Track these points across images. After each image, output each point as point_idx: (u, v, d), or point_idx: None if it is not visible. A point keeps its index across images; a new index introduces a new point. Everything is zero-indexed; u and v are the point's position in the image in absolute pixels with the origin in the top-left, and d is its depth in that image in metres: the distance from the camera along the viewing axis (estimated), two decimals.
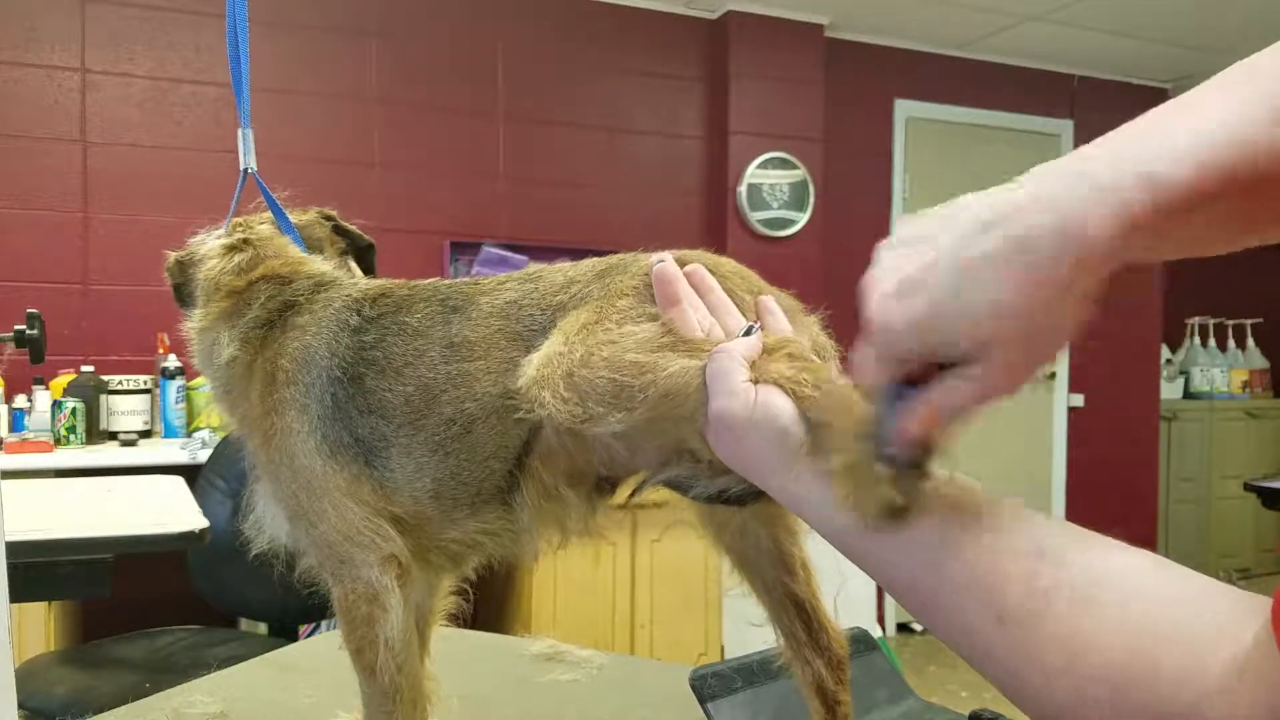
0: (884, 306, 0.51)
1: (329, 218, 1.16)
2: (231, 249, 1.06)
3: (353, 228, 1.17)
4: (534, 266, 0.92)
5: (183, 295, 1.09)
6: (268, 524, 0.98)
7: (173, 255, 1.11)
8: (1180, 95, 0.47)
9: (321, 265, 1.05)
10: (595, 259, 0.88)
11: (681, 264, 0.80)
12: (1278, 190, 0.44)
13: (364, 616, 0.89)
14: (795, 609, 0.91)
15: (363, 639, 0.89)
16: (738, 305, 0.79)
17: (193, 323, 1.04)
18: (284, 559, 0.99)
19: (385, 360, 0.90)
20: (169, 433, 3.28)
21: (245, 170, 1.14)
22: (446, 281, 0.95)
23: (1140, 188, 0.43)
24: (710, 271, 0.80)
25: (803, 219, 4.39)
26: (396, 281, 0.99)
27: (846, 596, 3.49)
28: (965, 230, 0.48)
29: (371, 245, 1.18)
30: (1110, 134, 0.47)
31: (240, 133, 1.16)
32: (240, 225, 1.08)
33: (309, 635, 2.33)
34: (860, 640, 1.19)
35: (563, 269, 0.89)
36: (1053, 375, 5.14)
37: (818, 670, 0.89)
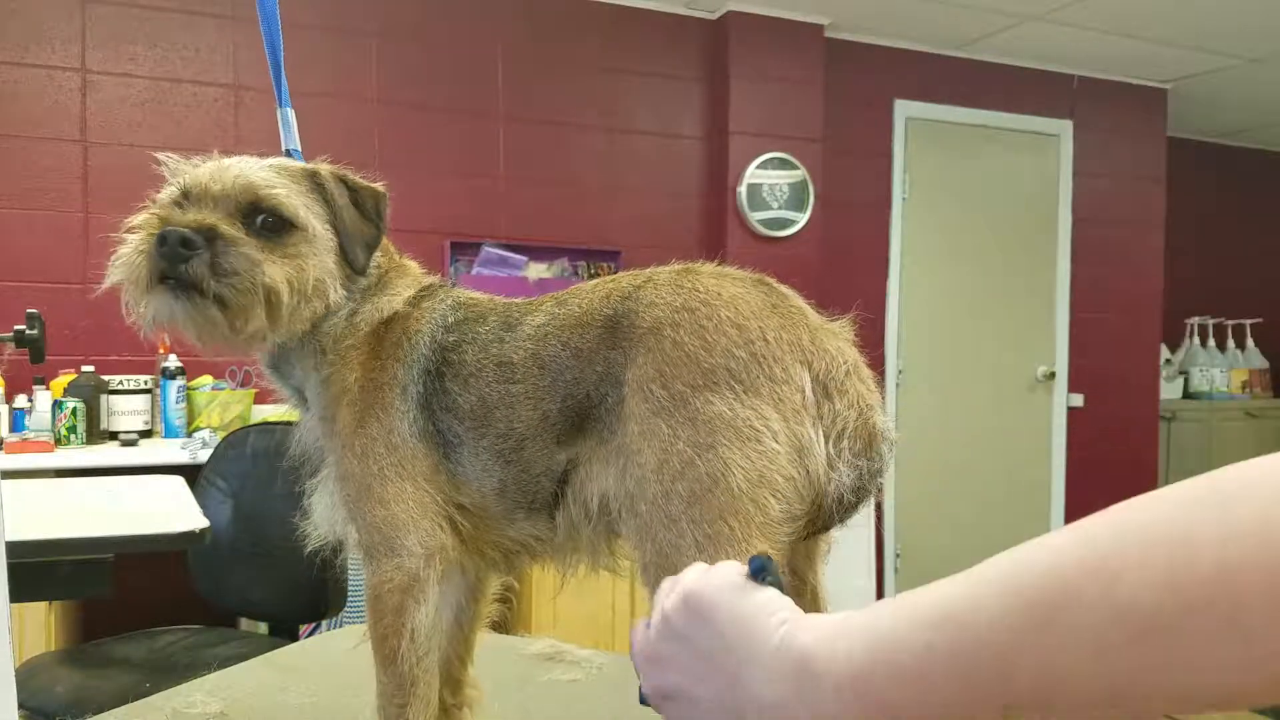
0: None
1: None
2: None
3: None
4: (567, 289, 0.97)
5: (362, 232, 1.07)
6: (324, 517, 1.00)
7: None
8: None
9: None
10: (600, 290, 0.92)
11: (709, 290, 0.86)
12: None
13: (395, 605, 0.91)
14: None
15: (388, 627, 0.91)
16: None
17: (368, 272, 1.04)
18: (331, 551, 1.02)
19: (459, 365, 0.95)
20: (169, 433, 3.28)
21: (287, 151, 1.15)
22: (520, 300, 1.00)
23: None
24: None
25: (802, 219, 4.39)
26: (492, 296, 1.04)
27: (847, 592, 3.48)
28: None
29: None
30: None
31: (280, 112, 1.14)
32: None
33: (309, 635, 2.33)
34: None
35: (580, 298, 0.93)
36: (1052, 375, 5.14)
37: None
